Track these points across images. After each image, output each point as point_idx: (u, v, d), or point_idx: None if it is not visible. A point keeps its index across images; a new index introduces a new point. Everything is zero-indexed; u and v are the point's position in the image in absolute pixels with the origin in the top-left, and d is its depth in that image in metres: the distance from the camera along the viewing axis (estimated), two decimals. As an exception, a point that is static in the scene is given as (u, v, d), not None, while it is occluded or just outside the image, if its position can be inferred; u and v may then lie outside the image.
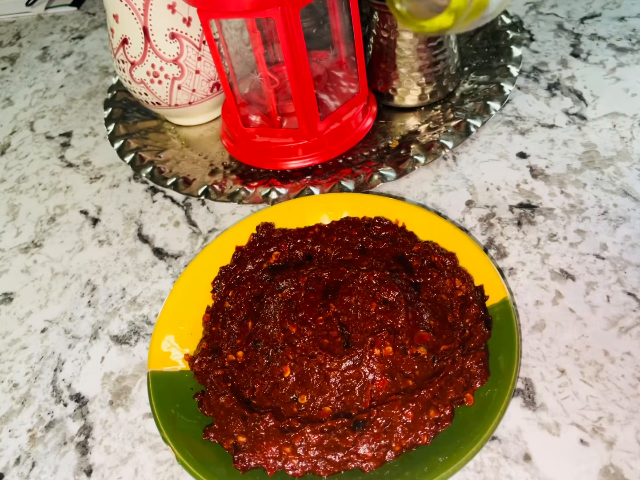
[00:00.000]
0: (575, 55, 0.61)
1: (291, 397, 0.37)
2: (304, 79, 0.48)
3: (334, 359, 0.37)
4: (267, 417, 0.35)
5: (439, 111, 0.57)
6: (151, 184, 0.59)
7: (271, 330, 0.39)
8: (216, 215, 0.54)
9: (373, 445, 0.34)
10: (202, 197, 0.54)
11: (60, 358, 0.46)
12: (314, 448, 0.34)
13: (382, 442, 0.34)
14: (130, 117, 0.65)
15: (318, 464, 0.34)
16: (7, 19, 0.96)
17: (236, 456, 0.34)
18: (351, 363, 0.37)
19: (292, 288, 0.41)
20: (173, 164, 0.58)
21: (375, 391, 0.36)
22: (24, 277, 0.53)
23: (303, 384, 0.37)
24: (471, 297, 0.40)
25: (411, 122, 0.57)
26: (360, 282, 0.40)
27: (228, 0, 0.43)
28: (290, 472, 0.34)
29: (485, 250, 0.45)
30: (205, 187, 0.54)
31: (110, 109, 0.66)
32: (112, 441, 0.40)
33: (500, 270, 0.44)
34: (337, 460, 0.34)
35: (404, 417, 0.34)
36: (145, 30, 0.53)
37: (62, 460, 0.40)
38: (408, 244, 0.44)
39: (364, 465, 0.33)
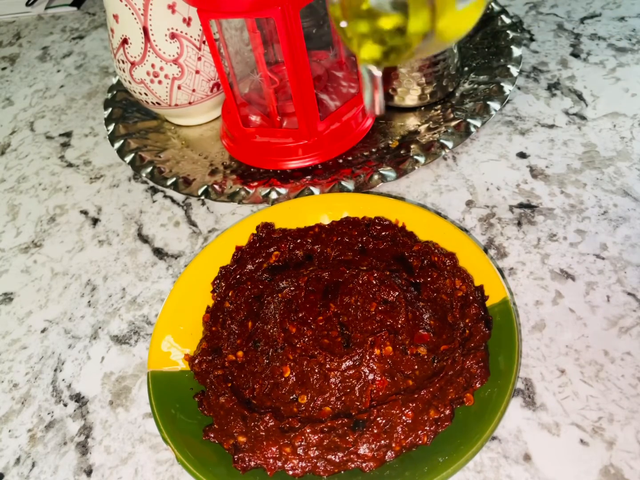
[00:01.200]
0: (575, 55, 0.61)
1: (291, 397, 0.37)
2: (304, 79, 0.48)
3: (334, 359, 0.37)
4: (267, 417, 0.35)
5: (439, 111, 0.57)
6: (151, 184, 0.59)
7: (271, 330, 0.39)
8: (216, 215, 0.54)
9: (373, 445, 0.34)
10: (202, 197, 0.54)
11: (60, 358, 0.46)
12: (314, 448, 0.34)
13: (382, 442, 0.34)
14: (130, 117, 0.65)
15: (318, 464, 0.34)
16: (7, 19, 0.96)
17: (236, 456, 0.34)
18: (351, 363, 0.37)
19: (292, 288, 0.41)
20: (173, 164, 0.58)
21: (375, 391, 0.36)
22: (24, 277, 0.53)
23: (303, 384, 0.37)
24: (471, 297, 0.40)
25: (411, 122, 0.57)
26: (360, 282, 0.40)
27: (228, 0, 0.43)
28: (290, 472, 0.34)
29: (485, 250, 0.45)
30: (205, 187, 0.55)
31: (110, 109, 0.66)
32: (112, 441, 0.40)
33: (500, 270, 0.44)
34: (337, 460, 0.34)
35: (404, 417, 0.34)
36: (145, 30, 0.53)
37: (62, 460, 0.40)
38: (408, 244, 0.44)
39: (364, 465, 0.33)
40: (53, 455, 0.40)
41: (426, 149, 0.53)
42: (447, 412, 0.34)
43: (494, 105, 0.55)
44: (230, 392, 0.37)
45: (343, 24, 0.25)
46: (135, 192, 0.58)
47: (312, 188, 0.52)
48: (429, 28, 0.23)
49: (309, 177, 0.54)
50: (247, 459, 0.34)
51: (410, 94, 0.57)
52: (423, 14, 0.22)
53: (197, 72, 0.56)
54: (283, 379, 0.37)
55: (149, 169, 0.57)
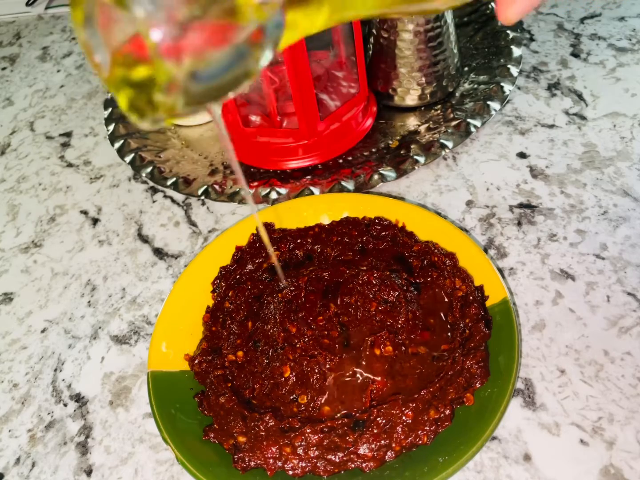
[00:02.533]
0: (575, 55, 0.61)
1: (291, 397, 0.37)
2: (304, 79, 0.48)
3: (334, 358, 0.37)
4: (267, 417, 0.35)
5: (439, 111, 0.57)
6: (151, 184, 0.59)
7: (271, 330, 0.39)
8: (216, 215, 0.54)
9: (373, 445, 0.34)
10: (202, 197, 0.54)
11: (60, 358, 0.46)
12: (314, 448, 0.34)
13: (382, 442, 0.34)
14: (130, 117, 0.65)
15: (318, 464, 0.34)
16: (7, 19, 0.96)
17: (236, 456, 0.34)
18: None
19: (292, 288, 0.41)
20: (173, 164, 0.58)
21: (375, 391, 0.36)
22: (24, 277, 0.53)
23: (303, 384, 0.37)
24: (471, 297, 0.40)
25: (411, 122, 0.57)
26: (360, 282, 0.40)
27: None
28: (290, 472, 0.34)
29: (485, 250, 0.45)
30: (205, 187, 0.54)
31: (110, 109, 0.66)
32: (112, 441, 0.40)
33: (500, 270, 0.44)
34: (337, 460, 0.34)
35: (404, 417, 0.34)
36: (145, 30, 0.53)
37: (62, 460, 0.40)
38: (408, 244, 0.44)
39: (364, 465, 0.33)
40: (53, 455, 0.40)
41: (426, 149, 0.53)
42: (447, 412, 0.34)
43: (494, 105, 0.55)
44: (230, 392, 0.37)
45: (97, 58, 0.19)
46: (135, 192, 0.58)
47: (312, 188, 0.52)
48: (177, 78, 0.19)
49: (309, 177, 0.54)
50: (247, 459, 0.34)
51: (410, 94, 0.57)
52: (163, 66, 0.19)
53: (197, 72, 0.56)
54: (283, 379, 0.37)
55: (149, 169, 0.57)
